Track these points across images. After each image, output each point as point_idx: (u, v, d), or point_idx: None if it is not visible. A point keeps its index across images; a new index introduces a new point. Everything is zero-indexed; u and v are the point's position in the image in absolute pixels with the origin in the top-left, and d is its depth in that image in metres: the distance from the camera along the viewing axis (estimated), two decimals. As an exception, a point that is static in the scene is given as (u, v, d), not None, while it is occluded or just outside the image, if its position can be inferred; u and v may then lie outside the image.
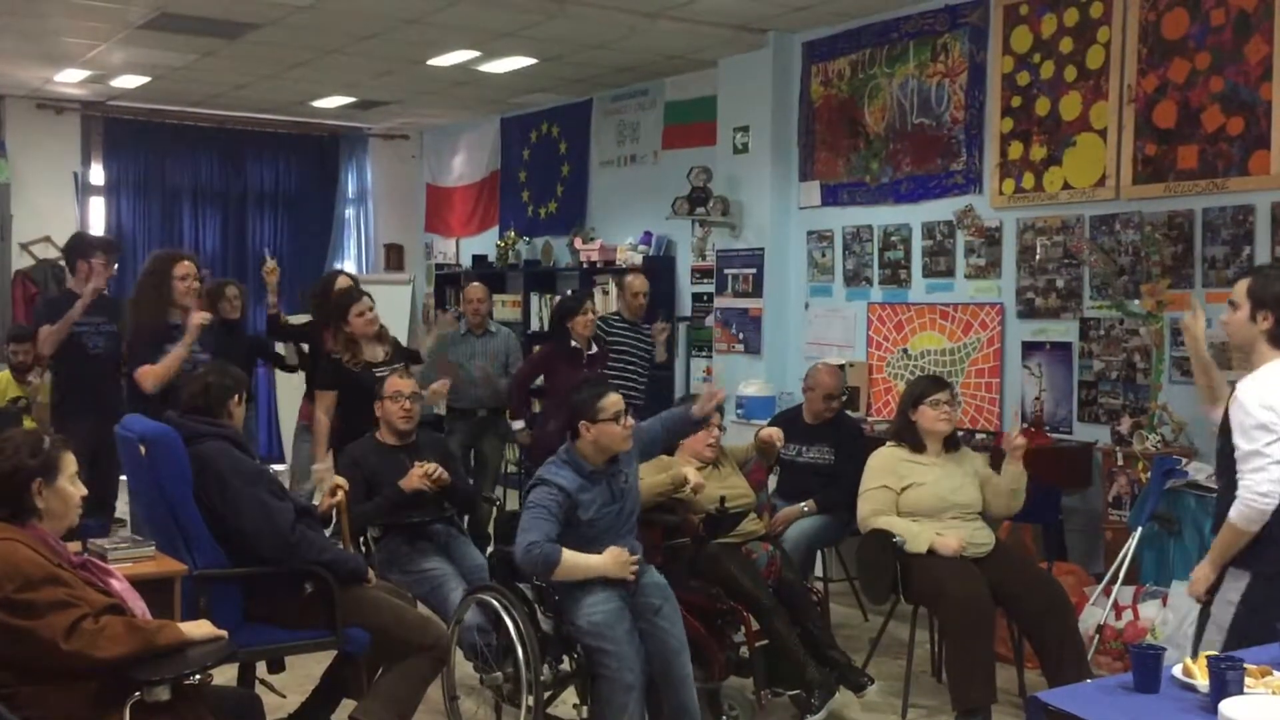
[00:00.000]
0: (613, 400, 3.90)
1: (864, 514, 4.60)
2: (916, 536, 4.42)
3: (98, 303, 5.87)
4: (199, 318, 5.23)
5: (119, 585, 2.92)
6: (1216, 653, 2.72)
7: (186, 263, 5.27)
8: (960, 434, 5.02)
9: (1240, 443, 3.27)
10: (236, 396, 3.97)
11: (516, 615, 3.82)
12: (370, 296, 5.76)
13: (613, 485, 3.92)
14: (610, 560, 3.77)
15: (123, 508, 5.93)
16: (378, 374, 5.37)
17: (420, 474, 4.57)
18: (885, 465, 4.63)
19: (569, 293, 7.53)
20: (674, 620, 3.85)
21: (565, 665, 3.94)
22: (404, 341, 9.85)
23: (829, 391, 5.73)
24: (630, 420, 3.97)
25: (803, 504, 5.47)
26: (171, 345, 5.17)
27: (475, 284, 7.09)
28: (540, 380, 6.81)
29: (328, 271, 8.37)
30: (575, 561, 3.74)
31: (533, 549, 3.70)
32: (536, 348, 7.71)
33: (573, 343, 6.40)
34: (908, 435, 4.62)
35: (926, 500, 4.51)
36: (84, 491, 2.94)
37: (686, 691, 3.82)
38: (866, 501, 4.61)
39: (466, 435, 6.72)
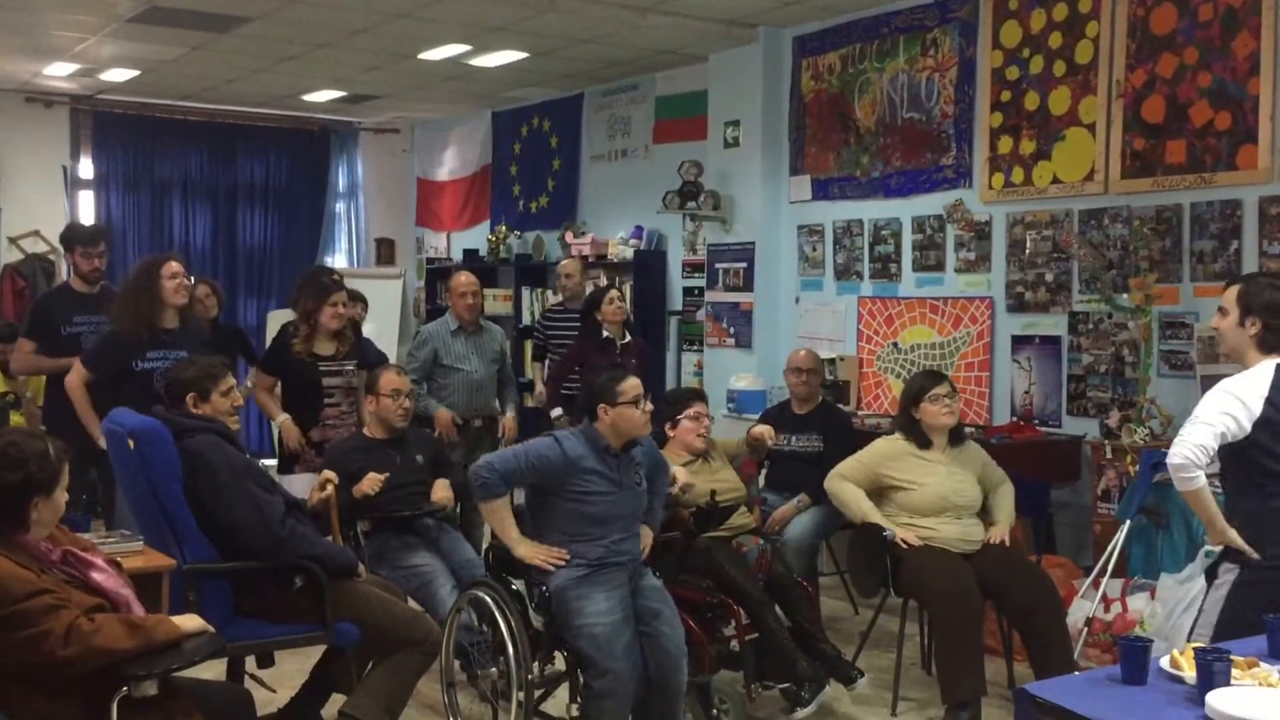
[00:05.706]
0: (632, 384, 3.90)
1: (834, 471, 4.70)
2: (859, 503, 4.54)
3: (96, 300, 5.65)
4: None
5: (100, 576, 2.89)
6: (1204, 644, 2.74)
7: (173, 263, 5.22)
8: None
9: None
10: (218, 385, 3.93)
11: (509, 612, 3.81)
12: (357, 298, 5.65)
13: (622, 474, 3.89)
14: (528, 550, 3.81)
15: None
16: (321, 368, 5.32)
17: (370, 482, 4.57)
18: (888, 454, 4.65)
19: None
20: (674, 625, 3.83)
21: (557, 664, 3.94)
22: (396, 337, 9.86)
23: (797, 365, 5.81)
24: (649, 405, 3.96)
25: (795, 500, 5.48)
26: (155, 352, 5.08)
27: (466, 273, 6.18)
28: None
29: (314, 266, 8.16)
30: (501, 518, 3.82)
31: (488, 474, 3.78)
32: (538, 335, 7.59)
33: (604, 333, 6.35)
34: (913, 433, 4.64)
35: (928, 500, 4.52)
36: (67, 497, 2.91)
37: (677, 700, 3.81)
38: (843, 464, 4.70)
39: (462, 449, 5.83)
